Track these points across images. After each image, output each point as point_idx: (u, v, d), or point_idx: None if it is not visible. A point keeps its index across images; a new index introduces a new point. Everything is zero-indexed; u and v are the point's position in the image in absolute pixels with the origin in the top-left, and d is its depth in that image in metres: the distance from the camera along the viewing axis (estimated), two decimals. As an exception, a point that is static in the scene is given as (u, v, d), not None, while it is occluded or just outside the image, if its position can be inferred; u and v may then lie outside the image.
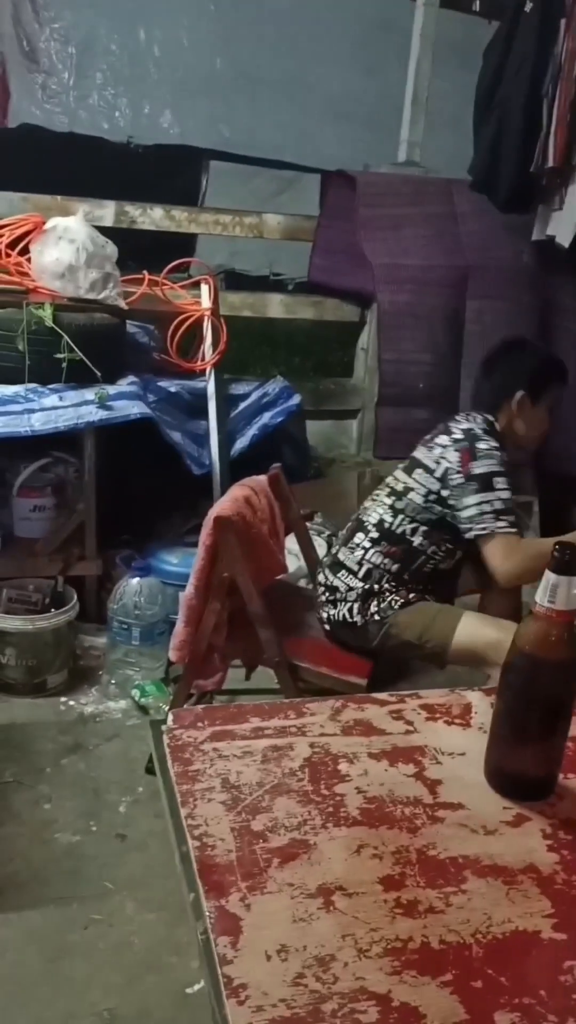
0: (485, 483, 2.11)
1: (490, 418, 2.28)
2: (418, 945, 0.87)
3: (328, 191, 4.02)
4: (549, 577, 1.05)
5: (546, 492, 4.11)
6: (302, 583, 2.97)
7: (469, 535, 2.14)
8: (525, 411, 2.30)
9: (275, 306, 4.12)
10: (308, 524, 3.04)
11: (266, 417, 3.36)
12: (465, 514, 2.13)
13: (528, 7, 3.38)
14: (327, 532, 3.41)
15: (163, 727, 1.15)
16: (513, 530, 2.10)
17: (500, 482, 2.12)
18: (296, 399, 3.45)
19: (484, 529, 2.09)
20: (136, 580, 2.83)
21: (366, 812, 1.05)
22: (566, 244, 3.48)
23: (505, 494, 2.12)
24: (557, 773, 1.13)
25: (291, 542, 2.72)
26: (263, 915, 0.89)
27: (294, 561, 2.93)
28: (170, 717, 1.17)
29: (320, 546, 3.27)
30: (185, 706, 2.18)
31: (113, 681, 2.79)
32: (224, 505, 2.23)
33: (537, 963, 0.87)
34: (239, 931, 0.86)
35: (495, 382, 2.33)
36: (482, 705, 1.30)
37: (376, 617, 2.23)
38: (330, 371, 5.19)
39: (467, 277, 3.79)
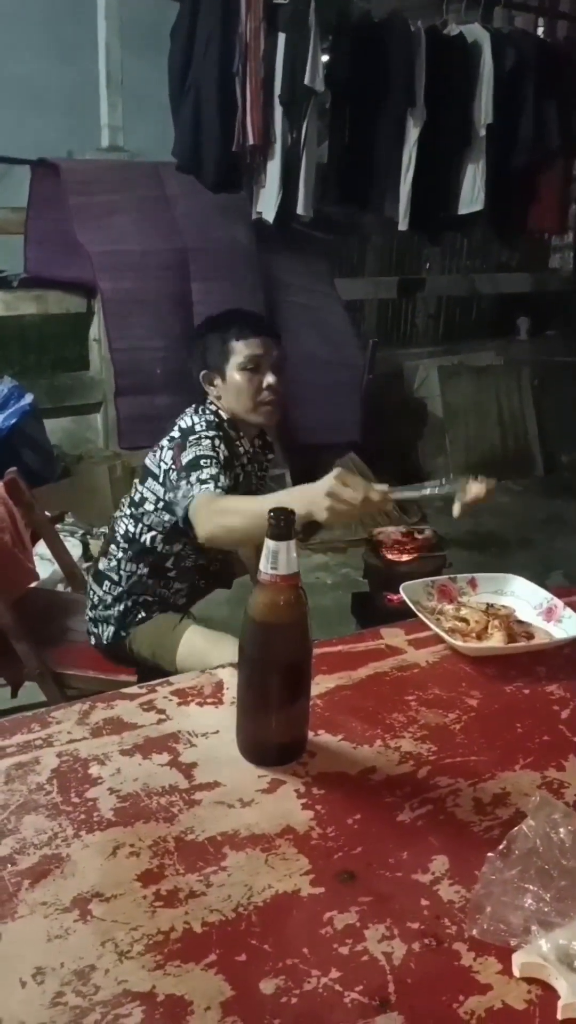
0: (192, 466, 1.90)
1: (212, 406, 2.12)
2: (180, 933, 0.86)
3: (34, 181, 3.87)
4: (269, 544, 1.06)
5: (294, 463, 4.25)
6: (60, 587, 2.87)
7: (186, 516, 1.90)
8: (218, 385, 2.11)
9: (-8, 304, 3.94)
10: (59, 526, 2.94)
11: (-2, 421, 3.22)
12: (182, 503, 1.89)
13: (208, -14, 3.41)
14: (80, 531, 3.32)
15: None
16: (211, 489, 1.84)
17: (207, 462, 1.90)
18: (28, 398, 3.32)
19: (190, 502, 1.85)
20: None
21: (120, 811, 1.02)
22: (271, 220, 3.56)
23: (209, 472, 1.88)
24: (306, 732, 1.16)
25: (42, 547, 2.63)
26: (15, 942, 0.84)
27: (48, 566, 2.83)
28: None
29: (75, 547, 3.19)
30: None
31: None
32: (-44, 519, 2.10)
33: (298, 922, 0.89)
34: (-10, 966, 0.81)
35: (192, 373, 2.16)
36: (234, 681, 1.30)
37: (123, 634, 2.19)
38: (69, 366, 5.05)
39: (187, 259, 3.79)
